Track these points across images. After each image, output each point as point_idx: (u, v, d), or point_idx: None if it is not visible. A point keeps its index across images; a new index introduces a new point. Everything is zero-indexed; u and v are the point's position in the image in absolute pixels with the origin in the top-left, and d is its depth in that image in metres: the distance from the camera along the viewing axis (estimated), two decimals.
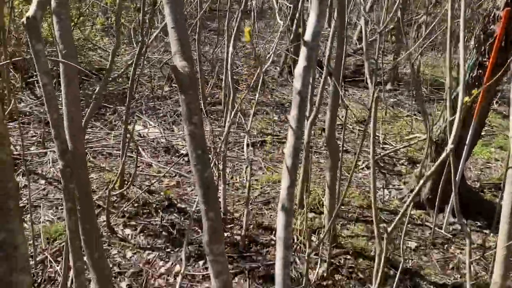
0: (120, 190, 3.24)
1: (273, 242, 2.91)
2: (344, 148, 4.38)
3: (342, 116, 4.84)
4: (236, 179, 3.79)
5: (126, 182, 3.51)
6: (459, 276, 2.64)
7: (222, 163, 3.12)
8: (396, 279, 2.00)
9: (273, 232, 3.01)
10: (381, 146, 4.43)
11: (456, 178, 2.97)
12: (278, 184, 3.67)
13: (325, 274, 2.59)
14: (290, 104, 4.60)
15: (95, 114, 4.88)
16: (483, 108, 2.90)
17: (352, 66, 7.12)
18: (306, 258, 1.51)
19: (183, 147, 4.27)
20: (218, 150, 2.90)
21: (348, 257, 2.79)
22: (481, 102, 2.75)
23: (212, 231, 1.30)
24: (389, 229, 1.47)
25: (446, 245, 2.93)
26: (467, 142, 2.87)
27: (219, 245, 1.30)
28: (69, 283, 2.31)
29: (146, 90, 5.67)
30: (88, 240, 1.76)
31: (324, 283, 2.55)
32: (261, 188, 3.63)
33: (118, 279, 2.55)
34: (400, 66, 6.80)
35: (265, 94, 5.90)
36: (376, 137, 4.61)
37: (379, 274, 1.75)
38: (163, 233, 2.98)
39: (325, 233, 1.72)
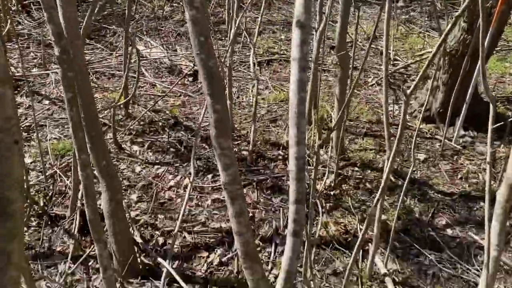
0: (123, 102, 3.20)
1: (280, 157, 2.91)
2: (354, 65, 4.24)
3: (352, 33, 4.64)
4: (243, 99, 3.73)
5: (131, 102, 3.46)
6: (467, 185, 2.64)
7: (228, 79, 3.03)
8: (404, 187, 1.99)
9: (280, 147, 2.99)
10: (392, 62, 4.28)
11: (469, 90, 2.89)
12: (285, 102, 3.61)
13: (332, 184, 2.60)
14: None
15: (95, 36, 4.73)
16: (502, 13, 2.73)
17: None
18: (314, 166, 1.48)
19: (186, 67, 4.16)
20: (223, 64, 2.80)
21: (356, 169, 2.79)
22: (502, 5, 2.57)
23: (219, 124, 1.25)
24: (408, 91, 1.42)
25: (455, 157, 2.91)
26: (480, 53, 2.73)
27: (226, 138, 1.26)
28: (79, 195, 2.35)
29: (147, 10, 5.45)
30: (94, 148, 1.74)
31: (332, 192, 2.57)
32: (268, 106, 3.57)
33: (128, 192, 2.59)
34: None
35: (271, 12, 5.64)
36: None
37: (386, 179, 1.72)
38: (171, 149, 2.97)
39: (327, 137, 1.67)
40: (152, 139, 3.07)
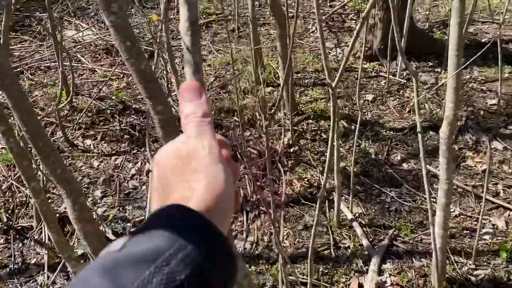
0: (66, 102, 3.09)
1: (237, 124, 2.93)
2: (292, 14, 4.21)
3: None
4: None
5: (74, 94, 3.33)
6: (415, 117, 2.76)
7: (168, 52, 2.95)
8: (356, 131, 2.07)
9: (235, 113, 3.00)
10: (328, 4, 4.27)
11: (405, 24, 2.95)
12: (232, 65, 3.57)
13: (290, 142, 2.66)
14: None
15: (20, 27, 4.43)
16: None
17: None
18: (264, 130, 1.50)
19: None
20: (159, 40, 2.71)
21: (310, 121, 2.86)
22: None
23: (165, 125, 1.25)
24: (333, 84, 1.45)
25: (401, 91, 3.01)
26: None
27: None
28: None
29: None
30: (45, 158, 1.69)
31: (291, 149, 2.63)
32: (215, 72, 3.53)
33: (91, 189, 2.56)
34: None
35: None
36: None
37: (336, 127, 1.78)
38: (125, 136, 2.93)
39: (278, 101, 1.69)
40: (104, 129, 3.00)
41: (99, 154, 2.81)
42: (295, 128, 2.74)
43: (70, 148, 2.85)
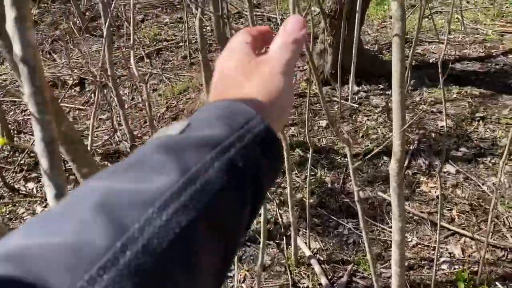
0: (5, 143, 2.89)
1: None
2: None
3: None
4: (138, 99, 3.53)
5: (16, 132, 3.14)
6: (369, 142, 2.76)
7: (113, 87, 2.83)
8: (310, 159, 2.03)
9: None
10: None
11: (354, 45, 2.97)
12: (185, 94, 3.48)
13: None
14: (180, 2, 4.10)
15: None
16: None
17: None
18: None
19: (70, 77, 3.83)
20: (100, 76, 2.59)
21: None
22: None
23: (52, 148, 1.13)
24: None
25: (354, 115, 3.01)
26: (357, 8, 2.79)
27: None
28: None
29: None
30: None
31: None
32: (166, 102, 3.42)
33: None
34: None
35: None
36: (274, 19, 4.42)
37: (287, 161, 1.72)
38: (71, 177, 2.76)
39: None
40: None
41: (42, 199, 2.63)
42: None
43: (10, 193, 2.66)
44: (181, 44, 4.19)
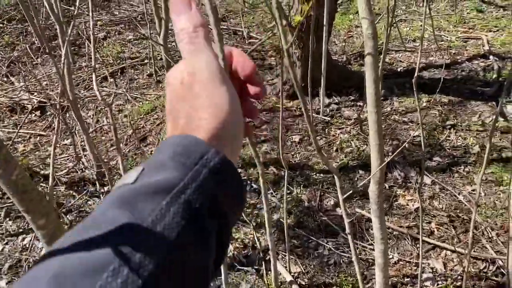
0: None
1: None
2: None
3: None
4: (103, 121, 3.39)
5: None
6: (343, 156, 2.72)
7: (74, 111, 2.68)
8: (285, 179, 1.95)
9: None
10: (247, 41, 4.21)
11: (322, 60, 2.94)
12: (152, 114, 3.36)
13: None
14: (143, 17, 4.00)
15: None
16: None
17: None
18: None
19: (30, 101, 3.64)
20: (60, 99, 2.45)
21: (239, 170, 2.71)
22: None
23: (51, 240, 1.03)
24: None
25: (326, 129, 2.97)
26: (324, 21, 2.76)
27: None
28: None
29: None
30: None
31: None
32: (133, 123, 3.29)
33: None
34: None
35: (112, 10, 5.18)
36: (240, 32, 4.36)
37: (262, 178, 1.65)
38: None
39: None
40: (8, 204, 2.64)
41: (3, 235, 2.45)
42: None
43: None
44: (146, 61, 4.07)
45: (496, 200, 2.28)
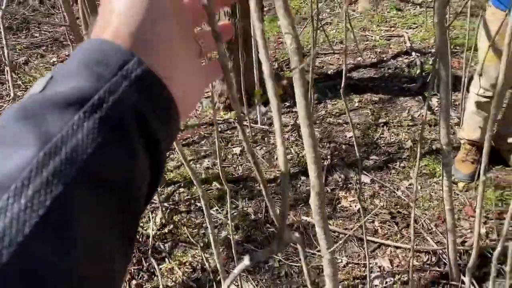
0: None
1: None
2: None
3: None
4: None
5: None
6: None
7: None
8: (228, 193, 1.91)
9: None
10: None
11: (254, 67, 2.94)
12: None
13: (163, 221, 2.40)
14: (66, 37, 3.75)
15: None
16: None
17: None
18: None
19: None
20: None
21: (182, 190, 2.64)
22: None
23: None
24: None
25: (266, 138, 2.97)
26: (252, 30, 2.76)
27: None
28: None
29: None
30: None
31: (166, 230, 2.38)
32: None
33: None
34: None
35: None
36: None
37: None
38: None
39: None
40: None
41: None
42: (165, 204, 2.49)
43: None
44: None
45: (432, 192, 2.39)
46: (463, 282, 1.88)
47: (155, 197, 2.44)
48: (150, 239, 2.24)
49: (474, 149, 2.39)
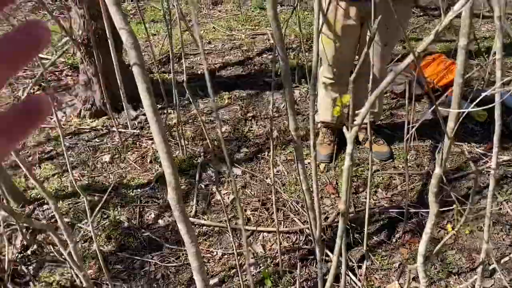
0: None
1: None
2: None
3: None
4: None
5: None
6: (158, 166, 2.68)
7: None
8: (99, 205, 1.82)
9: None
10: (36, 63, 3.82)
11: (116, 71, 2.84)
12: None
13: (25, 243, 2.20)
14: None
15: None
16: None
17: None
18: None
19: None
20: None
21: (46, 207, 2.44)
22: None
23: None
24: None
25: (137, 142, 2.89)
26: (107, 33, 2.66)
27: None
28: None
29: None
30: None
31: (29, 251, 2.18)
32: None
33: None
34: None
35: None
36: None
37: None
38: None
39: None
40: None
41: None
42: (25, 224, 2.28)
43: None
44: None
45: (297, 176, 2.54)
46: (327, 255, 2.04)
47: (11, 218, 2.22)
48: (6, 264, 2.03)
49: (329, 131, 2.60)
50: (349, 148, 1.44)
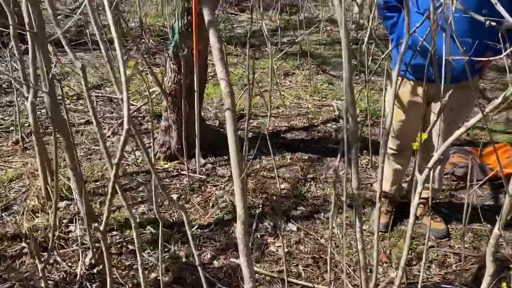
0: None
1: (25, 251, 2.51)
2: (84, 119, 4.05)
3: (74, 85, 4.44)
4: None
5: None
6: (219, 211, 2.86)
7: None
8: (160, 236, 1.99)
9: (23, 239, 2.59)
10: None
11: (196, 124, 3.14)
12: (17, 181, 3.15)
13: (93, 261, 2.40)
14: (11, 84, 3.81)
15: None
16: (201, 52, 3.05)
17: (74, 27, 6.52)
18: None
19: None
20: None
21: (114, 233, 2.66)
22: (197, 47, 2.87)
23: None
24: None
25: (203, 187, 3.11)
26: (195, 88, 2.99)
27: None
28: None
29: None
30: None
31: (95, 270, 2.37)
32: None
33: None
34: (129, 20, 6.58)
35: None
36: (115, 100, 4.42)
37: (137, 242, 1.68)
38: None
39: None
40: None
41: None
42: (97, 244, 2.49)
43: None
44: (12, 128, 3.85)
45: (352, 241, 2.60)
46: None
47: (87, 237, 2.45)
48: (78, 277, 2.22)
49: (386, 201, 2.68)
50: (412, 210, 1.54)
